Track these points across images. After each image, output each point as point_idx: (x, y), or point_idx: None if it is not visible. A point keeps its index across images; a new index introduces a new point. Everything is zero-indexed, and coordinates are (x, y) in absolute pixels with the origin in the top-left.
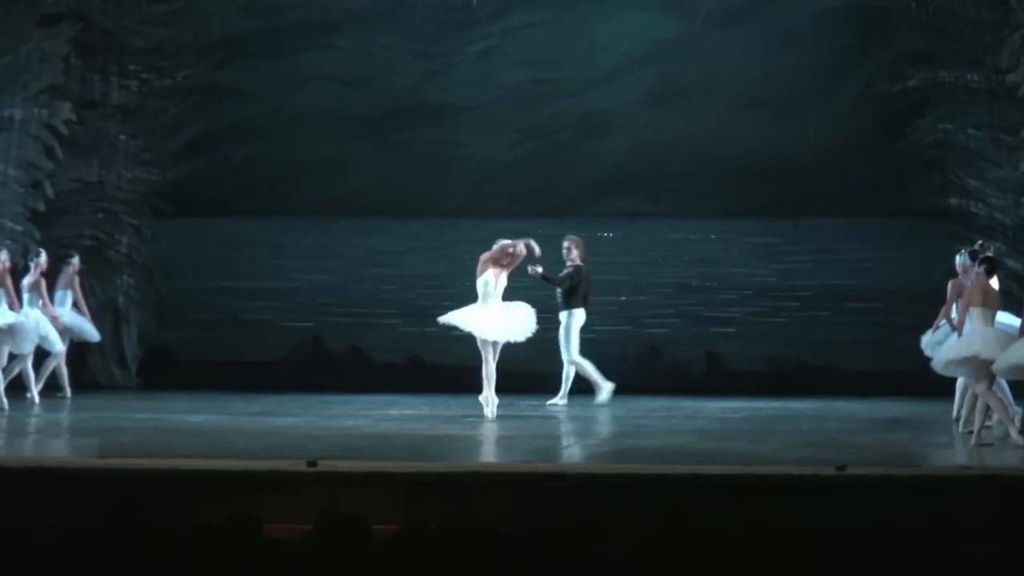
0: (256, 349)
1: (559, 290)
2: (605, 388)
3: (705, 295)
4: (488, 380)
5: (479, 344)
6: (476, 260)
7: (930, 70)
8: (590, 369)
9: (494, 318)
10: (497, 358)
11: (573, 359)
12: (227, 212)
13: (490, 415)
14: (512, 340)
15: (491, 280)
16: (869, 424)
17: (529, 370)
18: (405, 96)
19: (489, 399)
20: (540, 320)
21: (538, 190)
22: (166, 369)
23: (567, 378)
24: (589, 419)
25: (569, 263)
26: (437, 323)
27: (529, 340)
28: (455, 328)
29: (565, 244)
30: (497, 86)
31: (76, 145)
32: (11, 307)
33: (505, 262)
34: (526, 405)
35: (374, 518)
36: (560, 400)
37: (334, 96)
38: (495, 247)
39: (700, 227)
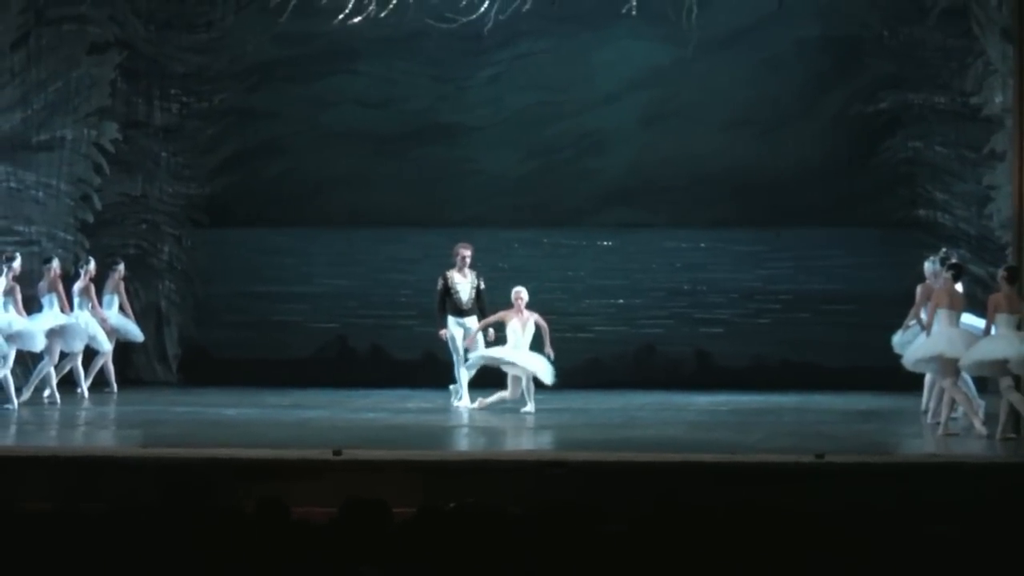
0: (286, 348)
1: (470, 299)
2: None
3: (695, 298)
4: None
5: (510, 379)
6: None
7: (901, 93)
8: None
9: (541, 360)
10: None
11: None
12: (259, 223)
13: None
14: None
15: (518, 329)
16: (845, 416)
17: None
18: (422, 117)
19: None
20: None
21: (543, 203)
22: (204, 366)
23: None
24: (590, 412)
25: (469, 271)
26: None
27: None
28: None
29: (470, 253)
30: (505, 108)
31: (122, 162)
32: (62, 310)
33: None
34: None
35: (394, 502)
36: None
37: (357, 117)
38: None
39: (691, 236)
